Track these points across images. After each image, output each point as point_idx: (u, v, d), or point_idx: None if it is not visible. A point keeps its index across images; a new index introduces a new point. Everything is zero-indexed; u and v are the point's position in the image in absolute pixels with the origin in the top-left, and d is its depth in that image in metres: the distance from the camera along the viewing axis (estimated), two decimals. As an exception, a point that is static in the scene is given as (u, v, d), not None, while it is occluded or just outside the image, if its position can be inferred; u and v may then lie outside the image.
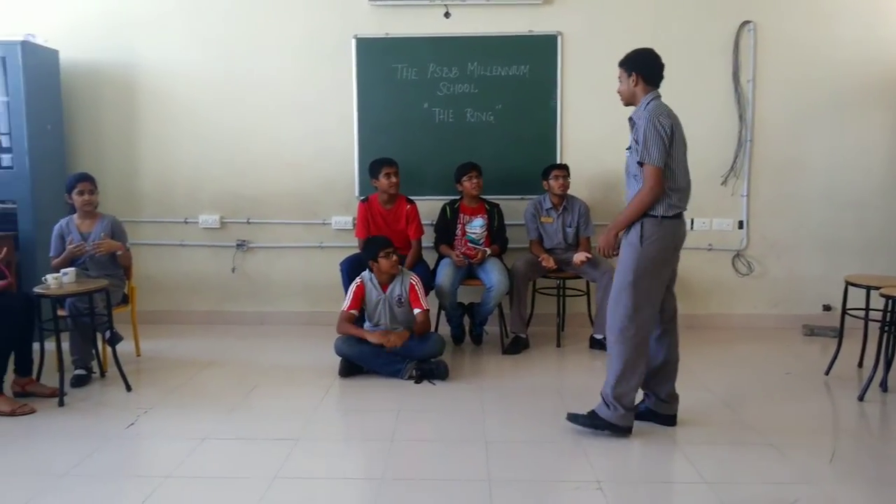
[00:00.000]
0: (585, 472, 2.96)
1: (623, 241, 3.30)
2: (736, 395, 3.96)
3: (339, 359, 4.29)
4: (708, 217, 5.42)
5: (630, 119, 3.35)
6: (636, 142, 3.21)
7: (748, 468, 3.03)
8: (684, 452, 3.16)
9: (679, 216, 3.31)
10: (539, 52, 5.31)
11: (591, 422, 3.35)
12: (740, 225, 5.43)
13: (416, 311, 4.30)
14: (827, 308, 5.41)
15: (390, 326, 4.33)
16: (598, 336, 4.73)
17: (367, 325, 4.41)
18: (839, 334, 4.31)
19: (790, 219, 5.42)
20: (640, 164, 3.19)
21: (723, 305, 5.51)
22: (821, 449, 3.20)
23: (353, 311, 4.32)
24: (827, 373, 4.28)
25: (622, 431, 3.31)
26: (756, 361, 4.64)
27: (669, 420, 3.45)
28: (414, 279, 4.36)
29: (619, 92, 3.40)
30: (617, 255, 3.34)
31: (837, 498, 2.76)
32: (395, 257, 4.30)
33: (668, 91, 5.20)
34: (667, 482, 2.92)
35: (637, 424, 3.40)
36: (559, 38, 5.30)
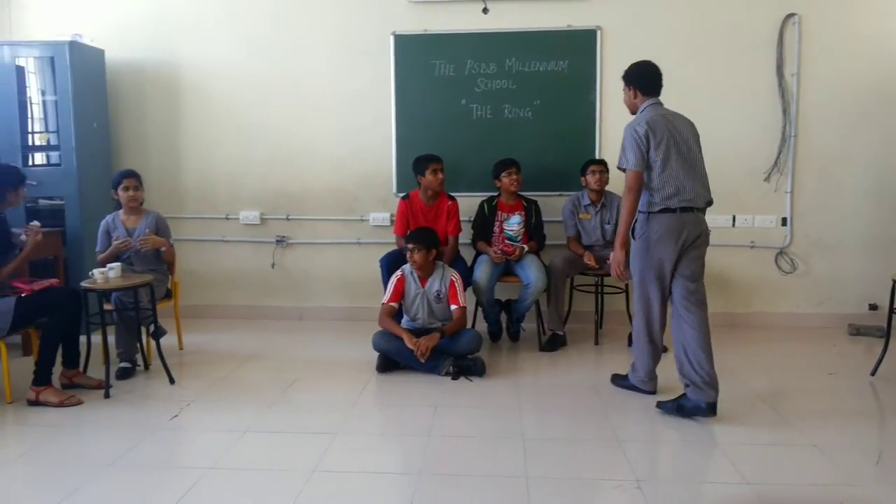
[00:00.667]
0: (624, 471, 2.94)
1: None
2: (779, 394, 3.89)
3: (376, 354, 4.32)
4: (750, 214, 5.33)
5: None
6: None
7: (791, 469, 2.97)
8: (725, 452, 3.11)
9: (670, 210, 3.47)
10: (578, 47, 5.27)
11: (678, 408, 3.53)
12: (784, 222, 5.33)
13: (453, 307, 4.31)
14: (873, 307, 5.28)
15: (427, 321, 4.34)
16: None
17: (404, 318, 4.44)
18: (886, 334, 4.20)
19: (835, 216, 5.30)
20: (621, 169, 3.57)
21: (765, 304, 5.41)
22: (866, 451, 3.13)
23: (393, 304, 4.35)
24: (873, 373, 4.18)
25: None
26: (799, 361, 4.55)
27: (711, 409, 3.46)
28: (455, 276, 4.37)
29: (624, 103, 3.75)
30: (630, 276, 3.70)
31: (883, 501, 2.70)
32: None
33: (710, 85, 5.20)
34: (707, 482, 2.88)
35: (678, 422, 3.39)
36: (598, 33, 5.25)
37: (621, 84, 3.71)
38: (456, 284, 4.34)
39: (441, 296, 4.34)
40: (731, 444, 3.20)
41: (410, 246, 4.30)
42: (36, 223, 4.11)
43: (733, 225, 5.35)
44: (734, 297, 5.41)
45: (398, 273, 4.40)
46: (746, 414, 3.59)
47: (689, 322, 3.48)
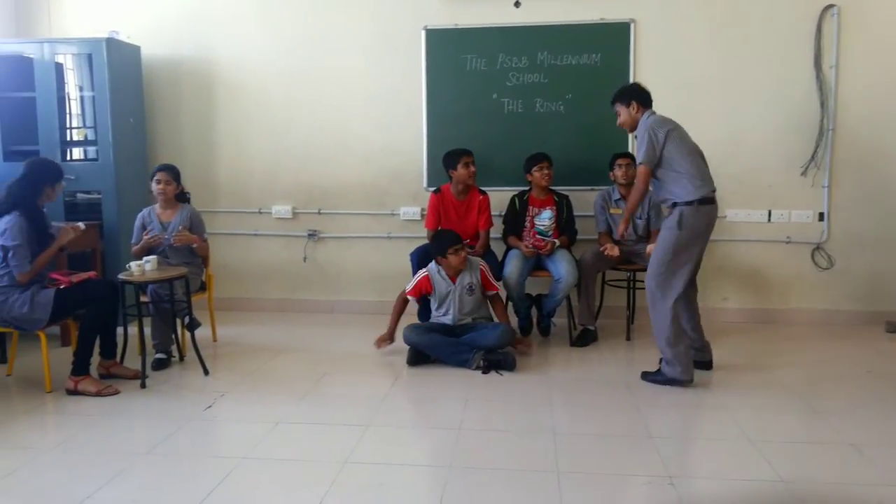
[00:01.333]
0: (657, 468, 2.91)
1: (662, 225, 3.99)
2: (815, 392, 3.83)
3: (406, 347, 4.33)
4: (786, 209, 5.25)
5: (636, 137, 4.10)
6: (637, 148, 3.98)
7: (827, 468, 2.92)
8: (760, 450, 3.07)
9: (710, 201, 3.86)
10: (611, 40, 5.23)
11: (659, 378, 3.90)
12: (821, 217, 5.23)
13: (491, 293, 4.45)
14: (913, 304, 5.17)
15: (457, 316, 4.36)
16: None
17: (434, 312, 4.46)
18: (926, 332, 4.12)
19: (874, 211, 5.19)
20: (638, 164, 3.94)
21: (801, 300, 5.33)
22: (906, 450, 3.07)
23: (410, 297, 4.46)
24: (912, 372, 4.10)
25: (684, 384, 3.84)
26: (836, 359, 4.47)
27: (706, 365, 4.09)
28: (482, 264, 4.43)
29: (621, 124, 4.07)
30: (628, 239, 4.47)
31: (924, 501, 2.65)
32: (463, 253, 4.34)
33: (746, 78, 5.13)
34: (742, 480, 2.84)
35: (711, 419, 3.38)
36: (632, 26, 5.20)
37: (616, 107, 4.04)
38: (486, 271, 4.43)
39: (473, 287, 4.36)
40: (765, 441, 3.16)
41: (458, 246, 4.32)
42: (81, 224, 4.20)
43: (769, 220, 5.27)
44: (769, 292, 5.33)
45: (424, 272, 4.43)
46: (782, 411, 3.54)
47: (688, 304, 3.94)
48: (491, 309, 4.53)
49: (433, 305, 4.47)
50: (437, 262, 4.38)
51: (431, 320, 4.47)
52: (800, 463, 2.97)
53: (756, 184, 5.26)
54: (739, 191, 5.25)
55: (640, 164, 3.88)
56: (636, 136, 4.00)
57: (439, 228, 4.81)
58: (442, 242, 4.35)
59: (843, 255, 5.26)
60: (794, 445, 3.15)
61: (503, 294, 4.72)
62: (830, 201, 5.21)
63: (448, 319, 4.39)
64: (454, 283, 4.36)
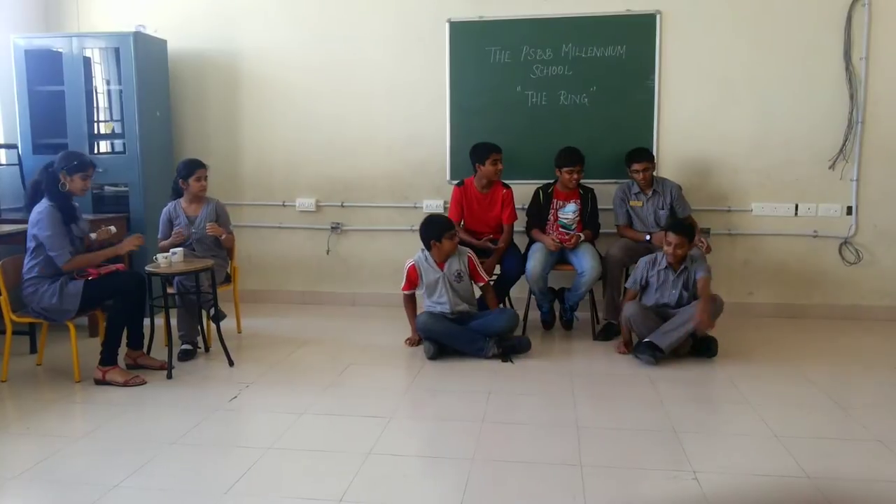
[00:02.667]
0: (681, 462, 2.90)
1: None
2: (841, 388, 3.79)
3: (427, 341, 4.35)
4: (813, 202, 5.18)
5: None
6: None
7: (854, 465, 2.89)
8: (786, 445, 3.04)
9: None
10: (636, 32, 5.18)
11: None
12: (849, 211, 5.15)
13: (480, 284, 4.47)
14: (943, 300, 5.09)
15: (453, 301, 4.38)
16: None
17: (426, 302, 4.48)
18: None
19: (904, 205, 5.11)
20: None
21: (828, 295, 5.26)
22: (935, 448, 3.03)
23: (409, 292, 4.51)
24: (942, 368, 4.04)
25: None
26: (863, 355, 4.42)
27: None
28: (470, 254, 4.48)
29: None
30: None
31: (954, 499, 2.61)
32: (457, 239, 4.42)
33: (773, 70, 5.07)
34: (767, 475, 2.82)
35: (736, 415, 3.32)
36: (658, 17, 5.15)
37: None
38: (474, 261, 4.46)
39: (461, 275, 4.40)
40: (791, 437, 3.13)
41: (453, 231, 4.37)
42: (112, 228, 4.26)
43: (795, 214, 5.20)
44: (795, 287, 5.27)
45: (409, 262, 4.45)
46: (808, 407, 3.50)
47: None
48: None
49: (424, 295, 4.47)
50: (429, 246, 4.38)
51: (427, 310, 4.44)
52: (826, 458, 2.94)
53: (783, 177, 5.19)
54: (766, 184, 5.19)
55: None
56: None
57: (432, 214, 4.78)
58: (437, 228, 4.35)
59: (871, 249, 5.18)
60: (820, 441, 3.12)
61: (525, 290, 4.72)
62: (859, 195, 5.13)
63: (445, 308, 4.38)
64: (442, 269, 4.37)
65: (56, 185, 3.87)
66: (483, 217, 4.90)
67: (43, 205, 3.82)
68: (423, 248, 4.43)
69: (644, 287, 4.38)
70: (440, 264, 4.39)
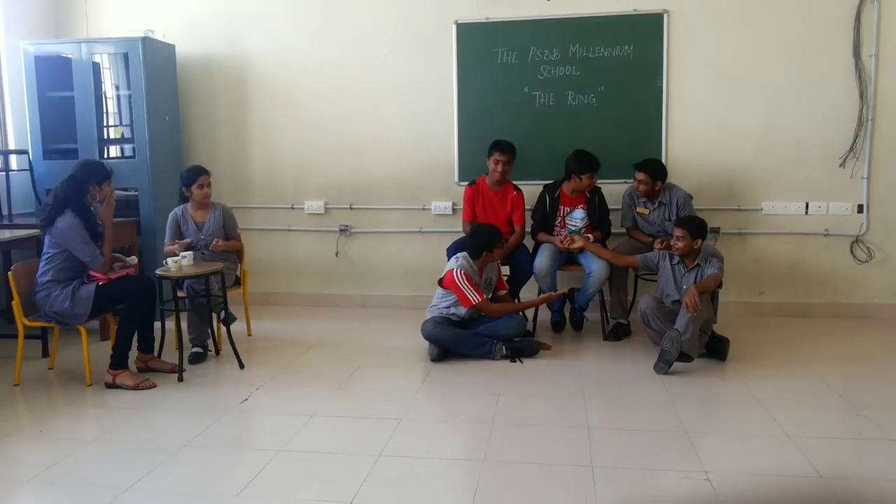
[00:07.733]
0: (693, 463, 2.88)
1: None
2: (853, 388, 3.76)
3: (427, 344, 4.35)
4: (824, 200, 5.15)
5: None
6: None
7: (867, 464, 2.88)
8: (798, 446, 3.02)
9: None
10: (644, 32, 5.17)
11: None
12: (860, 209, 5.12)
13: (502, 293, 4.54)
14: (956, 298, 5.05)
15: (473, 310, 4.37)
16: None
17: (438, 305, 4.42)
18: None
19: (916, 202, 5.07)
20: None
21: (839, 294, 5.23)
22: (950, 447, 3.01)
23: (483, 299, 4.29)
24: (956, 367, 4.01)
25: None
26: (875, 353, 4.39)
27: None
28: (499, 265, 4.59)
29: (684, 249, 4.21)
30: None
31: (969, 499, 2.59)
32: (505, 247, 4.60)
33: (783, 68, 5.05)
34: (779, 475, 2.81)
35: (747, 415, 3.31)
36: (665, 17, 5.14)
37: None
38: (500, 271, 4.57)
39: (491, 283, 4.44)
40: (804, 437, 3.11)
41: (503, 241, 4.51)
42: (133, 258, 4.30)
43: (806, 212, 5.18)
44: (807, 286, 5.24)
45: (460, 272, 4.26)
46: (820, 407, 3.48)
47: None
48: None
49: (439, 297, 4.41)
50: (480, 255, 4.34)
51: (441, 314, 4.37)
52: (839, 458, 2.92)
53: (793, 176, 5.16)
54: (776, 183, 5.17)
55: None
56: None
57: (476, 223, 4.76)
58: (490, 238, 4.36)
59: (883, 247, 5.14)
60: (833, 441, 3.10)
61: (535, 291, 4.71)
62: (870, 193, 5.10)
63: (463, 311, 4.34)
64: (481, 275, 4.38)
65: (82, 198, 3.91)
66: (494, 216, 4.89)
67: (67, 217, 3.82)
68: (464, 254, 4.35)
69: (655, 272, 4.49)
70: (480, 272, 4.40)
